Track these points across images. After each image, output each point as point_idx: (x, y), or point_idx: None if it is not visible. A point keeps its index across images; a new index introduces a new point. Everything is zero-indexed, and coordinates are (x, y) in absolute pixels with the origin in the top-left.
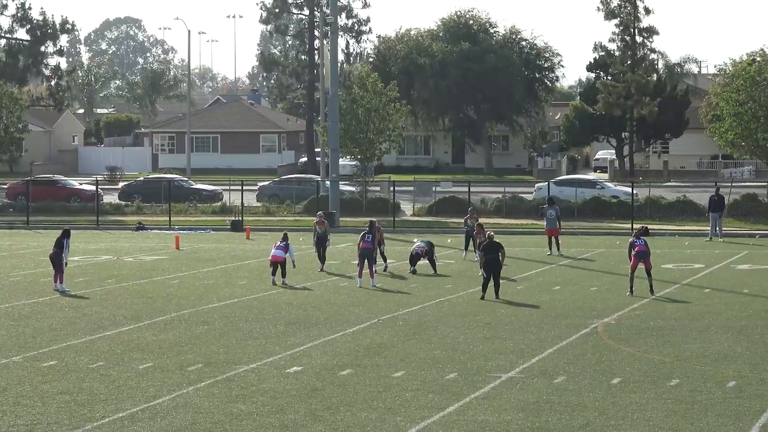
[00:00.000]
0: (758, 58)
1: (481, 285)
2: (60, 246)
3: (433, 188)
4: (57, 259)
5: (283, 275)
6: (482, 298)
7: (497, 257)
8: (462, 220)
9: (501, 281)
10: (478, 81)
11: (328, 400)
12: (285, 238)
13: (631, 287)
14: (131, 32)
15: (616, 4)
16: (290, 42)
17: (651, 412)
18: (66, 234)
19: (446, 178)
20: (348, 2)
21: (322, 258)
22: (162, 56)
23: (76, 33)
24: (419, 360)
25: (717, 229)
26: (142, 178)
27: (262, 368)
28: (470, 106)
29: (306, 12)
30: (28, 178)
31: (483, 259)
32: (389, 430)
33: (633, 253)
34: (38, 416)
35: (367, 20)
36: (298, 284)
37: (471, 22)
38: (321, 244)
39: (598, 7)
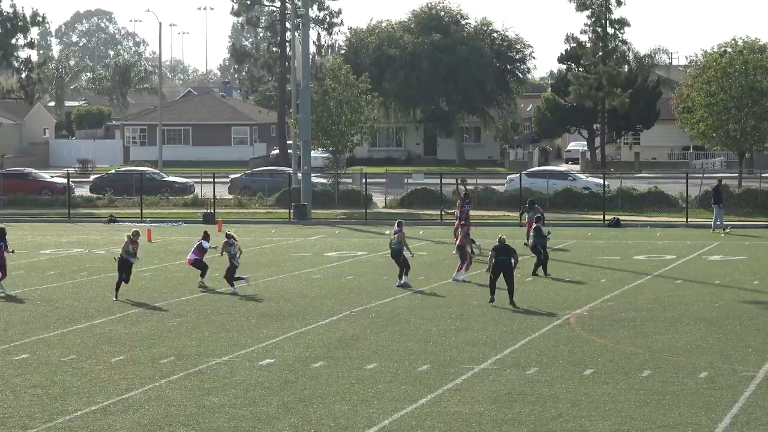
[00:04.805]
0: (729, 50)
1: (489, 287)
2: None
3: (405, 180)
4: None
5: (202, 275)
6: (491, 301)
7: (509, 259)
8: (437, 212)
9: (471, 273)
10: (450, 72)
11: (301, 392)
12: (205, 236)
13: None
14: (102, 24)
15: None
16: (262, 34)
17: (623, 403)
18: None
19: (418, 169)
20: None
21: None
22: (133, 49)
23: (47, 25)
24: (392, 352)
25: (719, 220)
26: (113, 171)
27: (235, 361)
28: (442, 97)
29: (277, 4)
30: None
31: (493, 259)
32: (362, 422)
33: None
34: (10, 410)
35: (339, 12)
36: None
37: (442, 13)
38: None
39: None
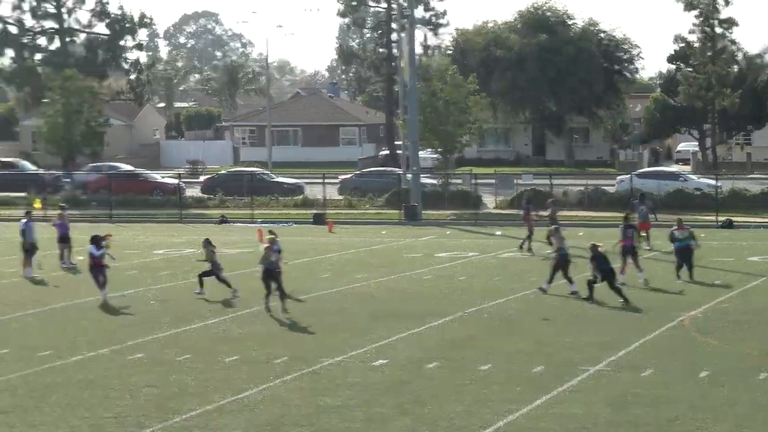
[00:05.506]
0: None
1: (590, 289)
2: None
3: (515, 181)
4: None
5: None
6: (589, 299)
7: (609, 268)
8: (547, 213)
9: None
10: (557, 73)
11: (415, 393)
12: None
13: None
14: (209, 26)
15: None
16: (368, 35)
17: (740, 406)
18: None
19: (527, 170)
20: None
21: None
22: (240, 50)
23: (155, 27)
24: (505, 353)
25: None
26: (224, 172)
27: (348, 361)
28: (549, 98)
29: (383, 5)
30: (111, 171)
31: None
32: (477, 423)
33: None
34: (127, 408)
35: (444, 13)
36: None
37: (548, 14)
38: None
39: None
